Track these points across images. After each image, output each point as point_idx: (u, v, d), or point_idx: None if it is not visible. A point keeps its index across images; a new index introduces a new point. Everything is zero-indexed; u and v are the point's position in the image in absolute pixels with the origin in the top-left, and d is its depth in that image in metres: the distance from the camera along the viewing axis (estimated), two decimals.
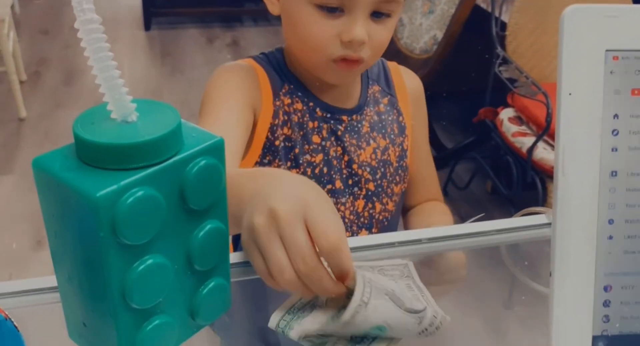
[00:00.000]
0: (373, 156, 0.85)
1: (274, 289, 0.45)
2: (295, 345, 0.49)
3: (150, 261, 0.37)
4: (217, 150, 0.40)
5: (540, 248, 0.67)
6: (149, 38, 3.88)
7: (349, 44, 0.73)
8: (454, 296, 0.63)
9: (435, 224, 0.84)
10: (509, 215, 0.70)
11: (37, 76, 3.26)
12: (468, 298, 0.62)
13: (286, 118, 0.81)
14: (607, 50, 0.41)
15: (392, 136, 0.87)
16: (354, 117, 0.84)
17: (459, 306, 0.61)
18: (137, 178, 0.35)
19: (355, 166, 0.83)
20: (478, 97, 2.08)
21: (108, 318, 0.38)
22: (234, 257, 0.54)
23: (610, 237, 0.42)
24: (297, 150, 0.81)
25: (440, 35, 2.24)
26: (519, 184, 1.84)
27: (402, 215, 0.93)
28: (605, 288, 0.43)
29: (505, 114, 1.94)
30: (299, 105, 0.82)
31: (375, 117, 0.86)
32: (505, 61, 1.87)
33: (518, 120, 1.91)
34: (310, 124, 0.82)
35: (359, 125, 0.84)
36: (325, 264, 0.45)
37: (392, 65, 0.92)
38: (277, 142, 0.81)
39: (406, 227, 0.93)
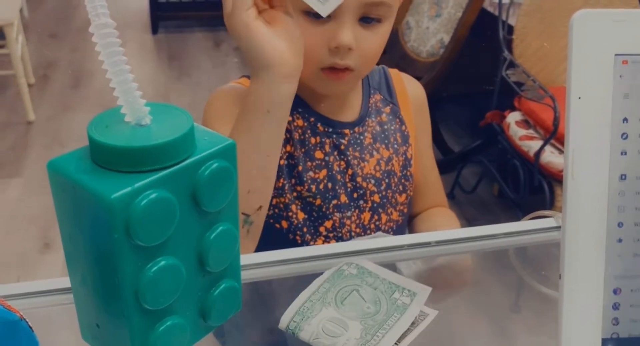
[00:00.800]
0: (377, 168, 0.84)
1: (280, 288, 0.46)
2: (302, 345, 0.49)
3: (163, 262, 0.37)
4: (228, 153, 0.40)
5: (548, 252, 0.67)
6: (156, 41, 3.89)
7: (336, 50, 0.71)
8: (461, 300, 0.63)
9: (442, 228, 0.84)
10: (516, 219, 0.70)
11: (45, 79, 3.27)
12: (476, 302, 0.62)
13: (287, 136, 0.80)
14: (616, 55, 0.42)
15: (396, 146, 0.86)
16: (356, 129, 0.83)
17: (466, 310, 0.61)
18: (150, 181, 0.35)
19: (359, 179, 0.82)
20: (485, 100, 2.08)
21: (121, 319, 0.38)
22: (244, 259, 0.54)
23: (620, 240, 0.42)
24: (300, 168, 0.80)
25: (447, 38, 2.25)
26: (526, 188, 1.84)
27: (408, 223, 0.93)
28: (615, 291, 0.43)
29: (512, 118, 1.94)
30: (299, 122, 0.81)
31: (378, 128, 0.85)
32: (512, 64, 1.87)
33: (525, 123, 1.91)
34: (313, 140, 0.81)
35: (362, 137, 0.83)
36: None
37: (393, 73, 0.90)
38: (281, 161, 0.80)
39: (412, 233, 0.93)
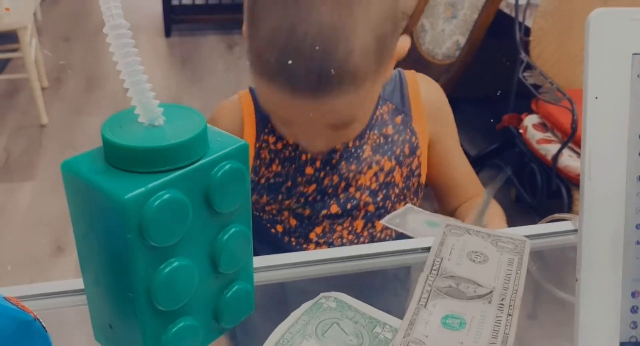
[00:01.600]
0: (374, 179, 0.81)
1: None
2: None
3: (176, 263, 0.37)
4: (241, 154, 0.40)
5: (565, 255, 0.66)
6: (169, 45, 3.91)
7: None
8: None
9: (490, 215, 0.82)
10: (534, 223, 0.69)
11: (59, 83, 3.29)
12: None
13: (272, 156, 0.80)
14: (634, 54, 0.41)
15: (401, 157, 0.83)
16: (353, 142, 0.80)
17: None
18: (164, 181, 0.35)
19: (352, 189, 0.81)
20: (501, 103, 2.06)
21: (133, 320, 0.38)
22: (257, 261, 0.54)
23: (638, 242, 0.42)
24: (289, 184, 0.80)
25: (463, 40, 2.23)
26: (543, 192, 1.81)
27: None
28: (633, 295, 0.42)
29: (530, 121, 1.92)
30: (291, 141, 0.80)
31: (381, 139, 0.82)
32: (529, 67, 1.85)
33: (543, 126, 1.89)
34: (303, 156, 0.80)
35: (359, 151, 0.81)
36: None
37: (409, 76, 0.86)
38: (261, 180, 0.80)
39: None
